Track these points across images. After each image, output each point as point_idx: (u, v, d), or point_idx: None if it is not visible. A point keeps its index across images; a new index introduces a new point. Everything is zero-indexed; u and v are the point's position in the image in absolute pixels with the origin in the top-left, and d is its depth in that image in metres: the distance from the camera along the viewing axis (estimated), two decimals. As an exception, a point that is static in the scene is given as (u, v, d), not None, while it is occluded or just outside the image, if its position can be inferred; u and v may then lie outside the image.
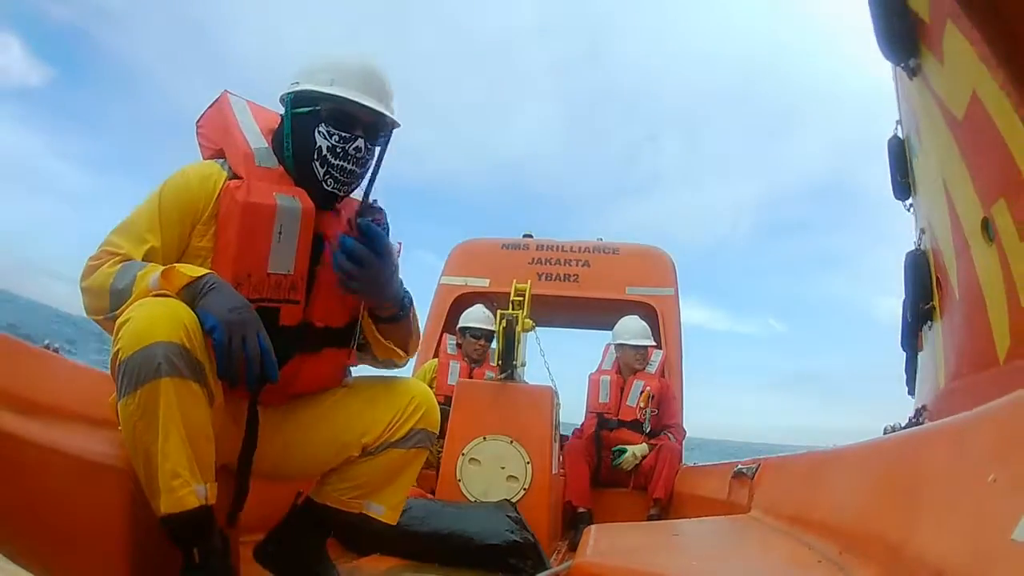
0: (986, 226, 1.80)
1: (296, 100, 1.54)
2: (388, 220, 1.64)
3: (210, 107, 1.67)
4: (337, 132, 1.52)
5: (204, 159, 1.65)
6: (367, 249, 1.49)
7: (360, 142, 1.54)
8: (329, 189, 1.55)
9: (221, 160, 1.58)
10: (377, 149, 1.61)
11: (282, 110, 1.60)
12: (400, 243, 1.62)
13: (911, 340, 2.82)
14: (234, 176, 1.52)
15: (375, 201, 1.61)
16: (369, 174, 1.60)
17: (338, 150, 1.52)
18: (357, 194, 1.65)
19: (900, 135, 2.63)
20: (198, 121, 1.69)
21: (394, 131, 1.62)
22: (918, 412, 2.54)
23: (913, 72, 1.93)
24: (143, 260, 1.44)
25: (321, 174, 1.54)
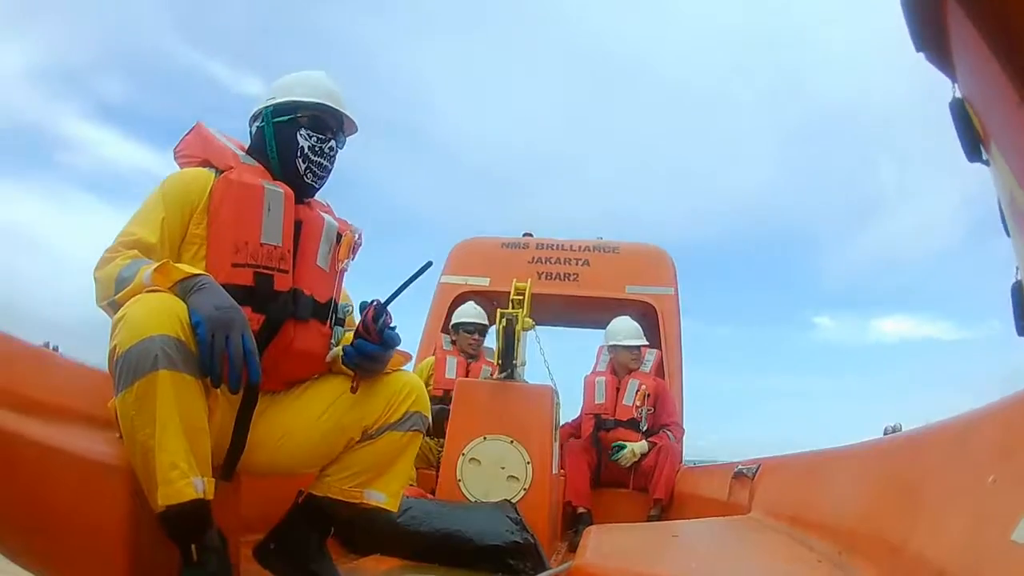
0: None
1: (276, 111, 1.79)
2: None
3: (187, 135, 1.84)
4: (316, 134, 1.79)
5: None
6: (382, 350, 1.68)
7: (333, 142, 1.82)
8: (308, 181, 1.79)
9: (208, 167, 1.73)
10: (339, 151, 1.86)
11: (248, 132, 1.86)
12: (360, 234, 1.87)
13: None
14: (222, 173, 1.69)
15: (379, 303, 1.72)
16: (395, 291, 1.73)
17: (316, 149, 1.78)
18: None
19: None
20: (176, 148, 1.84)
21: (350, 136, 1.91)
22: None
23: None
24: (157, 241, 1.57)
25: (302, 169, 1.78)
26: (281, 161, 1.77)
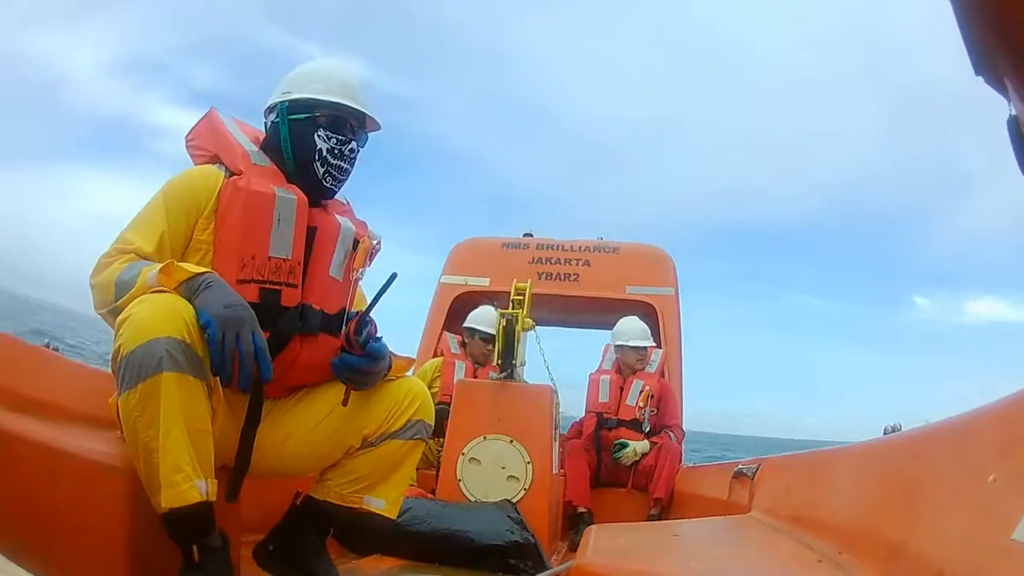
0: None
1: (292, 107, 1.68)
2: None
3: (199, 122, 1.76)
4: (335, 135, 1.68)
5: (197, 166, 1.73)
6: (367, 363, 1.61)
7: (353, 143, 1.72)
8: (328, 185, 1.70)
9: (217, 164, 1.66)
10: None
11: (263, 123, 1.75)
12: (379, 240, 1.80)
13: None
14: (232, 175, 1.61)
15: (360, 314, 1.66)
16: (372, 299, 1.68)
17: (335, 151, 1.68)
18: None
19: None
20: (188, 135, 1.77)
21: (373, 133, 1.79)
22: None
23: None
24: (154, 251, 1.50)
25: (321, 173, 1.68)
26: (297, 163, 1.67)
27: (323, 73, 1.71)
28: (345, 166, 1.71)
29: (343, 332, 1.64)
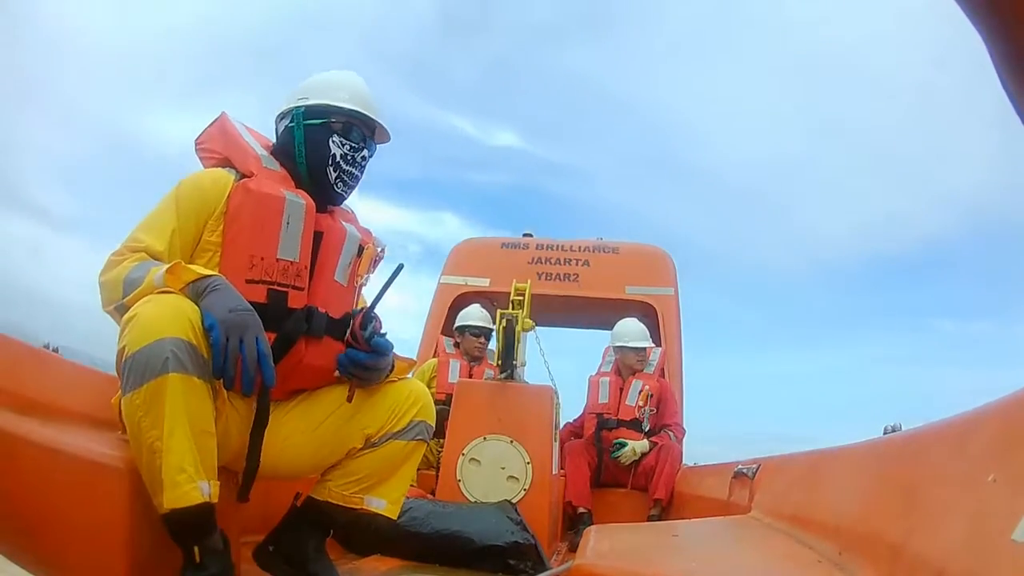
0: None
1: (308, 113, 1.71)
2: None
3: (210, 126, 1.77)
4: (349, 142, 1.72)
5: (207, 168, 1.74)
6: (372, 358, 1.63)
7: (365, 151, 1.75)
8: (339, 191, 1.73)
9: (227, 167, 1.67)
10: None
11: (274, 130, 1.79)
12: (384, 248, 1.84)
13: None
14: (241, 178, 1.63)
15: (366, 309, 1.68)
16: (378, 293, 1.70)
17: (348, 157, 1.72)
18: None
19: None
20: (198, 139, 1.78)
21: (382, 144, 1.83)
22: None
23: None
24: (165, 250, 1.51)
25: (333, 178, 1.71)
26: (310, 168, 1.70)
27: (338, 82, 1.75)
28: (356, 172, 1.74)
29: (349, 329, 1.65)
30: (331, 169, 1.70)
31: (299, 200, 1.63)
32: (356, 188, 1.78)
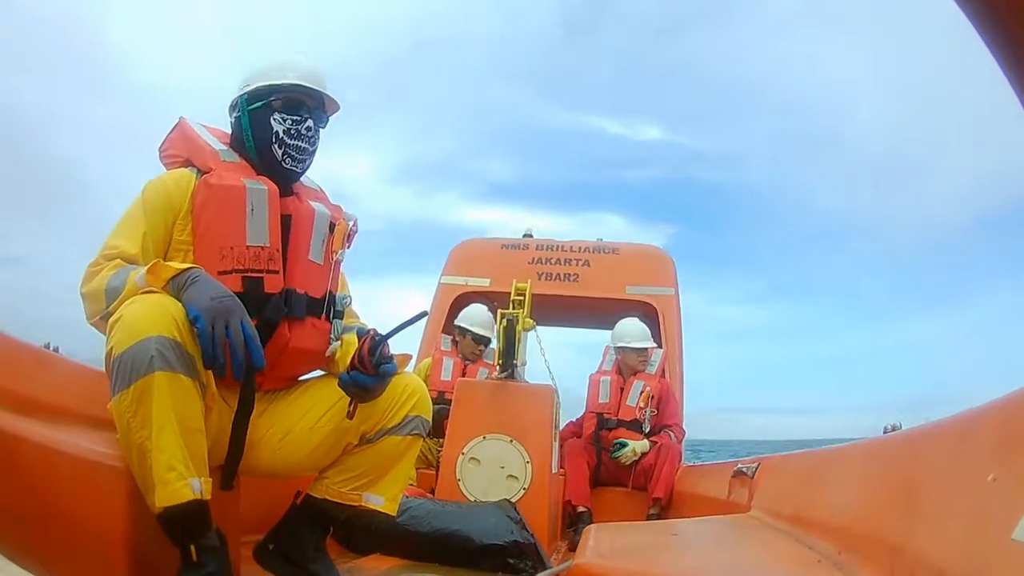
0: None
1: (250, 98, 1.72)
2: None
3: (171, 132, 1.79)
4: (290, 116, 1.71)
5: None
6: (377, 381, 1.60)
7: (310, 122, 1.73)
8: (288, 167, 1.73)
9: (189, 167, 1.69)
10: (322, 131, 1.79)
11: (228, 123, 1.79)
12: (355, 221, 1.84)
13: None
14: (203, 174, 1.65)
15: (375, 335, 1.64)
16: (395, 327, 1.64)
17: (292, 131, 1.71)
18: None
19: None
20: (161, 147, 1.79)
21: (333, 114, 1.82)
22: None
23: None
24: (139, 253, 1.52)
25: (280, 155, 1.71)
26: (258, 150, 1.71)
27: (277, 62, 1.75)
28: (303, 145, 1.73)
29: (356, 352, 1.62)
30: (276, 147, 1.70)
31: (261, 186, 1.64)
32: (310, 161, 1.77)
